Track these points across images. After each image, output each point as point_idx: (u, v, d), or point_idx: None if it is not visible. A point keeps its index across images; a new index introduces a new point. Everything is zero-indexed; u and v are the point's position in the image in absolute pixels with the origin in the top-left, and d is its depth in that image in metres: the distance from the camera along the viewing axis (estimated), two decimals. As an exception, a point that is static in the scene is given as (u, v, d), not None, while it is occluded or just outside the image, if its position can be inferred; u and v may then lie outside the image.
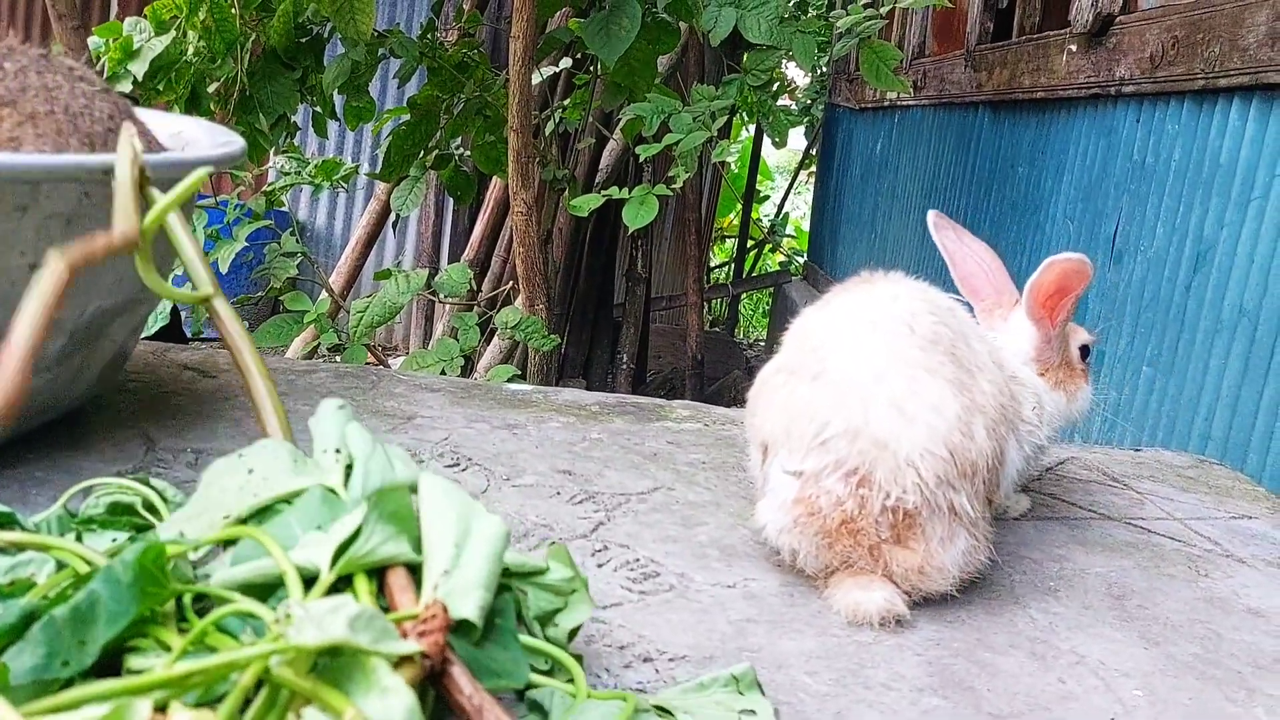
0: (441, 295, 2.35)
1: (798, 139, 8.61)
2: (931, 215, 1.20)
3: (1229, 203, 1.86)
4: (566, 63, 3.47)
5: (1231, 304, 1.80)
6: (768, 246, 8.42)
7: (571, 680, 0.66)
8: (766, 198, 9.47)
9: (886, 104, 4.79)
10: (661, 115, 2.37)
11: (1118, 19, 2.35)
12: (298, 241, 2.45)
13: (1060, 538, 1.11)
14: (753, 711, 0.65)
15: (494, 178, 3.66)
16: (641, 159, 2.74)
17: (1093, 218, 2.40)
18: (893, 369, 0.90)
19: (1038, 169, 2.75)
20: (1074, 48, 2.54)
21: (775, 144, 2.76)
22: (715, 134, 2.38)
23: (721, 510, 1.10)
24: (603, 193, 2.43)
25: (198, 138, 1.21)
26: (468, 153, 2.98)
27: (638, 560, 0.96)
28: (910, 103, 4.35)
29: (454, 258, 4.50)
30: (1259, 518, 1.24)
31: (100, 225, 0.93)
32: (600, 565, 0.94)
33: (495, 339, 3.25)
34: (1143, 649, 0.88)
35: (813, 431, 0.88)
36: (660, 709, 0.63)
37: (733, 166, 8.04)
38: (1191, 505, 1.26)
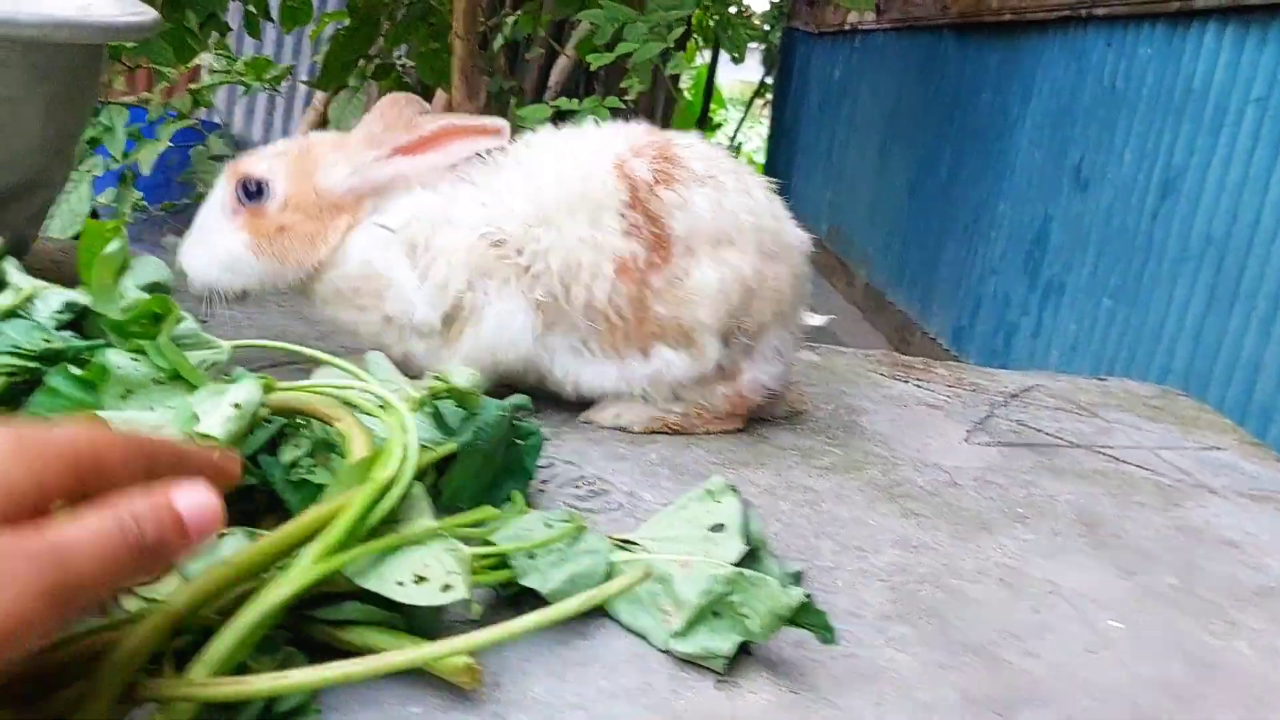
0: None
1: (754, 69, 8.42)
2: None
3: (1200, 129, 1.80)
4: (520, -29, 3.31)
5: (1199, 232, 1.76)
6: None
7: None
8: (720, 125, 9.31)
9: (848, 28, 4.67)
10: (616, 24, 2.25)
11: (1092, -64, 2.27)
12: (226, 143, 2.30)
13: (1026, 463, 1.06)
14: (721, 525, 0.67)
15: (440, 92, 3.50)
16: (592, 69, 2.61)
17: (1060, 144, 2.34)
18: None
19: (1004, 95, 2.67)
20: (1045, -33, 2.46)
21: (734, 59, 2.65)
22: (672, 45, 2.27)
23: (673, 429, 1.03)
24: (553, 103, 2.31)
25: (106, 9, 1.10)
26: (411, 64, 2.83)
27: (584, 478, 0.89)
28: (872, 27, 4.24)
29: (399, 176, 4.32)
30: (1227, 449, 1.20)
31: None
32: (545, 482, 0.87)
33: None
34: (1118, 579, 0.83)
35: None
36: (625, 540, 0.68)
37: (686, 94, 7.86)
38: (1160, 435, 1.22)
